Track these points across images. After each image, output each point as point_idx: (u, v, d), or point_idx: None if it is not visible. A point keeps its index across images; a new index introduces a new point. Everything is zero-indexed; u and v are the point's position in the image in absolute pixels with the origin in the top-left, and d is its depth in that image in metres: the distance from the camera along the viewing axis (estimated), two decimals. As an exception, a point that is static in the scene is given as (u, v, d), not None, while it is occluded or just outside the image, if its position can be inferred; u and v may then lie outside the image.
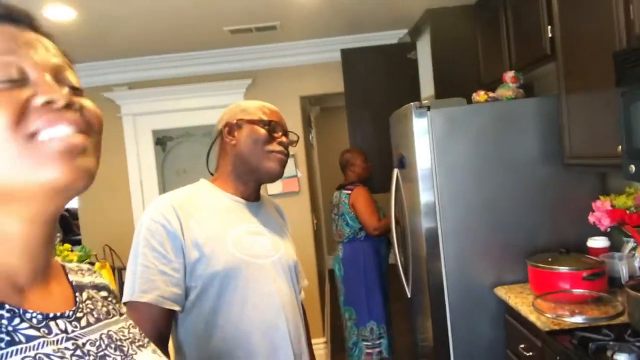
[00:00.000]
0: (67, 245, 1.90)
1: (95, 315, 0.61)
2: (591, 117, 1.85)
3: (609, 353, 1.39)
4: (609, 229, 1.90)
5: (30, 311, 0.52)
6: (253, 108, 1.29)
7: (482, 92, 2.34)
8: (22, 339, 0.49)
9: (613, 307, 1.71)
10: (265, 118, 1.27)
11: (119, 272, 2.87)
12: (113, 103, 3.80)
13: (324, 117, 6.76)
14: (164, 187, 4.13)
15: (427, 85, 3.16)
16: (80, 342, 0.55)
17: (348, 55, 3.47)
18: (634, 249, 1.93)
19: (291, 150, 1.35)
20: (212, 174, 1.34)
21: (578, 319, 1.66)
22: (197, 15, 2.89)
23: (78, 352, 0.53)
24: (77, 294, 0.61)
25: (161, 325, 1.10)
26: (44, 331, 0.52)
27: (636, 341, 1.42)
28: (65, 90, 0.55)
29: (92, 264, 2.16)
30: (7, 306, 0.50)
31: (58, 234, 2.29)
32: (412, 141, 2.28)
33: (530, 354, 1.84)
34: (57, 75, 0.56)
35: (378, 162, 3.33)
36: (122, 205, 3.80)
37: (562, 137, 2.05)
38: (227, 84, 3.77)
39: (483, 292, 2.21)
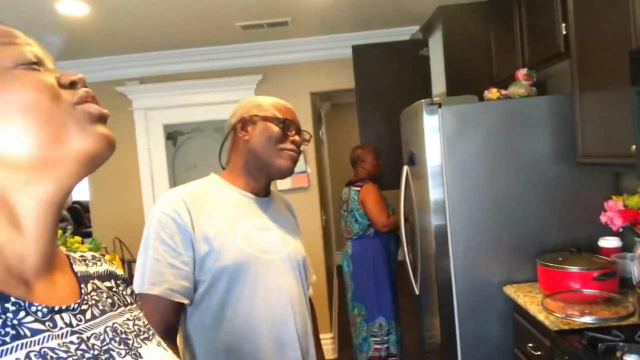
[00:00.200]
0: (78, 238, 1.92)
1: (101, 307, 0.60)
2: (605, 115, 1.83)
3: (618, 354, 1.37)
4: (621, 229, 1.88)
5: (36, 304, 0.52)
6: (268, 104, 1.28)
7: (494, 90, 2.32)
8: (27, 332, 0.49)
9: (624, 307, 1.70)
10: (279, 115, 1.26)
11: (128, 265, 2.90)
12: (125, 97, 3.83)
13: (334, 113, 6.75)
14: (174, 182, 4.16)
15: (438, 82, 3.14)
16: (85, 335, 0.55)
17: (359, 52, 3.45)
18: (646, 249, 1.91)
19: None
20: (223, 168, 1.34)
21: (588, 319, 1.65)
22: (209, 10, 2.90)
23: (83, 346, 0.53)
24: (82, 286, 0.61)
25: (170, 318, 1.11)
26: (49, 325, 0.52)
27: (647, 342, 1.41)
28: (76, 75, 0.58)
29: (103, 256, 2.18)
30: (12, 299, 0.50)
31: (69, 226, 2.31)
32: (423, 138, 2.28)
33: (539, 353, 1.84)
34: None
35: (388, 159, 3.32)
36: (133, 199, 3.83)
37: (575, 136, 2.03)
38: (238, 80, 3.77)
39: (491, 290, 2.20)
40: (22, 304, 0.51)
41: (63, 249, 0.65)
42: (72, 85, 0.57)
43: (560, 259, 1.96)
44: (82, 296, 0.59)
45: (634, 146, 1.52)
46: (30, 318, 0.50)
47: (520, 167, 2.20)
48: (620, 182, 2.17)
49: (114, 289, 0.67)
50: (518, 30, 2.45)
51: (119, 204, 3.82)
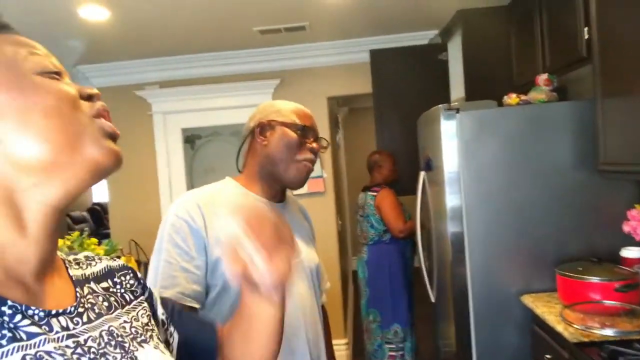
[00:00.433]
0: (94, 240, 1.95)
1: (97, 311, 0.61)
2: (629, 122, 1.78)
3: (640, 368, 1.33)
4: (644, 239, 1.83)
5: (33, 308, 0.52)
6: (287, 110, 1.27)
7: (513, 95, 2.29)
8: (24, 336, 0.49)
9: (647, 320, 1.65)
10: (298, 122, 1.25)
11: (144, 267, 2.92)
12: (144, 101, 3.88)
13: (352, 117, 6.74)
14: (192, 185, 4.19)
15: (457, 87, 3.11)
16: (81, 339, 0.55)
17: (377, 56, 3.44)
18: (670, 260, 1.85)
19: (317, 151, 1.34)
20: (240, 172, 1.34)
21: (608, 332, 1.60)
22: (227, 15, 2.92)
23: (79, 349, 0.54)
24: (77, 289, 0.61)
25: None
26: (45, 328, 0.52)
27: (670, 357, 1.36)
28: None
29: (118, 257, 2.20)
30: (9, 302, 0.51)
31: (86, 228, 2.35)
32: (440, 144, 2.25)
33: (557, 365, 1.79)
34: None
35: (405, 164, 3.29)
36: (151, 201, 3.87)
37: (597, 143, 1.98)
38: (255, 84, 3.79)
39: (509, 299, 2.16)
40: (19, 307, 0.51)
41: (60, 254, 0.65)
42: (90, 98, 0.60)
43: (580, 268, 1.91)
44: (78, 300, 0.60)
45: (658, 154, 1.48)
46: (26, 321, 0.51)
47: (540, 174, 2.16)
48: (644, 190, 2.11)
49: (110, 289, 0.67)
50: (539, 35, 2.41)
51: (136, 206, 3.87)
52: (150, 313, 0.71)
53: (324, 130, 3.74)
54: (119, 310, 0.65)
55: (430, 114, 2.47)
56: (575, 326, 1.67)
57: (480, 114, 2.20)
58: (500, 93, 2.36)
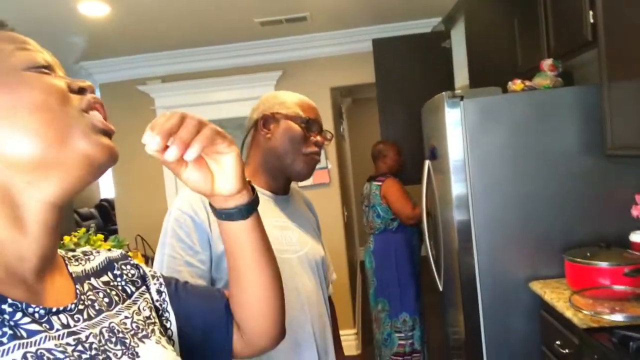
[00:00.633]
0: (100, 236, 1.95)
1: (97, 308, 0.61)
2: (636, 106, 1.76)
3: (651, 353, 1.32)
4: (653, 223, 1.81)
5: (33, 305, 0.52)
6: (291, 102, 1.25)
7: (518, 81, 2.26)
8: (24, 333, 0.49)
9: (657, 305, 1.63)
10: (303, 115, 1.23)
11: (151, 262, 2.93)
12: (147, 96, 3.88)
13: (355, 108, 6.72)
14: (197, 179, 4.19)
15: (461, 75, 3.09)
16: (81, 336, 0.55)
17: (380, 45, 3.41)
18: (680, 244, 1.84)
19: (322, 141, 1.32)
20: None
21: (618, 317, 1.59)
22: (228, 7, 2.90)
23: (79, 347, 0.54)
24: (77, 286, 0.61)
25: None
26: (45, 326, 0.52)
27: (681, 341, 1.35)
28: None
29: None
30: (9, 300, 0.51)
31: (92, 225, 2.36)
32: (444, 132, 2.23)
33: (567, 351, 1.78)
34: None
35: (409, 153, 3.28)
36: (156, 196, 3.88)
37: (604, 128, 1.96)
38: (258, 76, 3.78)
39: (517, 286, 2.15)
40: (20, 305, 0.51)
41: (59, 251, 0.65)
42: (81, 91, 0.58)
43: (588, 254, 1.90)
44: (78, 297, 0.59)
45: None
46: (27, 319, 0.51)
47: (546, 160, 2.14)
48: (652, 174, 2.09)
49: (111, 283, 0.67)
50: (543, 19, 2.38)
51: (143, 202, 3.88)
52: (152, 305, 0.71)
53: (327, 121, 3.73)
54: (119, 306, 0.65)
55: (434, 102, 2.45)
56: (584, 312, 1.66)
57: (485, 100, 2.18)
58: (504, 79, 2.34)
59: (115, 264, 0.70)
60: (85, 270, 0.66)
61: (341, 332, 1.53)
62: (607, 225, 2.10)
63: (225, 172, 0.67)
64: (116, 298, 0.65)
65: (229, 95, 3.82)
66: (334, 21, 3.44)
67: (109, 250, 0.73)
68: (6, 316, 0.50)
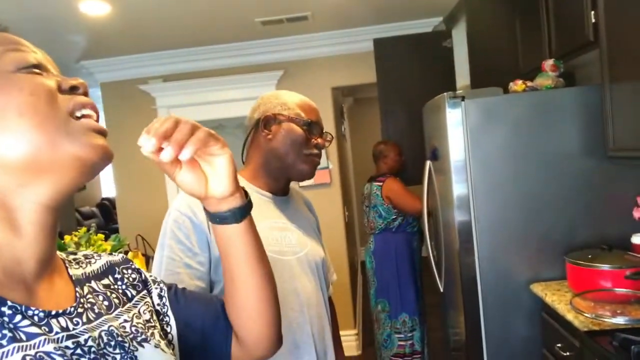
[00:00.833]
0: (101, 235, 1.95)
1: (96, 311, 0.61)
2: (638, 107, 1.75)
3: (652, 357, 1.31)
4: (655, 226, 1.80)
5: (33, 308, 0.52)
6: (293, 103, 1.24)
7: (519, 82, 2.25)
8: (23, 336, 0.49)
9: (658, 308, 1.62)
10: (304, 117, 1.22)
11: (152, 261, 2.93)
12: (148, 95, 3.87)
13: (357, 108, 6.71)
14: (197, 178, 4.19)
15: (462, 75, 3.07)
16: (80, 339, 0.55)
17: (381, 45, 3.40)
18: (682, 246, 1.83)
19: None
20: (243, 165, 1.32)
21: (620, 320, 1.58)
22: (229, 7, 2.90)
23: (79, 350, 0.54)
24: (77, 289, 0.61)
25: None
26: (45, 329, 0.52)
27: (683, 345, 1.34)
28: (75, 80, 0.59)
29: (126, 252, 2.21)
30: (9, 303, 0.50)
31: (93, 224, 2.36)
32: (445, 132, 2.22)
33: (568, 354, 1.77)
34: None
35: (410, 154, 3.27)
36: (157, 196, 3.88)
37: (606, 129, 1.95)
38: (259, 76, 3.77)
39: (518, 288, 2.14)
40: (19, 307, 0.51)
41: (60, 254, 0.65)
42: (73, 89, 0.58)
43: (590, 256, 1.89)
44: (78, 300, 0.59)
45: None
46: (26, 322, 0.51)
47: (548, 161, 2.13)
48: (655, 175, 2.08)
49: (112, 287, 0.67)
50: (544, 20, 2.37)
51: (143, 201, 3.88)
52: (152, 308, 0.71)
53: (329, 121, 3.72)
54: (119, 309, 0.65)
55: (436, 102, 2.44)
56: (585, 314, 1.65)
57: (486, 101, 2.17)
58: (506, 80, 2.33)
59: (117, 267, 0.70)
60: (85, 273, 0.65)
61: (342, 333, 1.52)
62: (609, 227, 2.09)
63: (219, 174, 0.68)
64: (116, 301, 0.65)
65: (230, 95, 3.82)
66: (335, 21, 3.43)
67: (111, 254, 0.73)
68: (5, 318, 0.49)
